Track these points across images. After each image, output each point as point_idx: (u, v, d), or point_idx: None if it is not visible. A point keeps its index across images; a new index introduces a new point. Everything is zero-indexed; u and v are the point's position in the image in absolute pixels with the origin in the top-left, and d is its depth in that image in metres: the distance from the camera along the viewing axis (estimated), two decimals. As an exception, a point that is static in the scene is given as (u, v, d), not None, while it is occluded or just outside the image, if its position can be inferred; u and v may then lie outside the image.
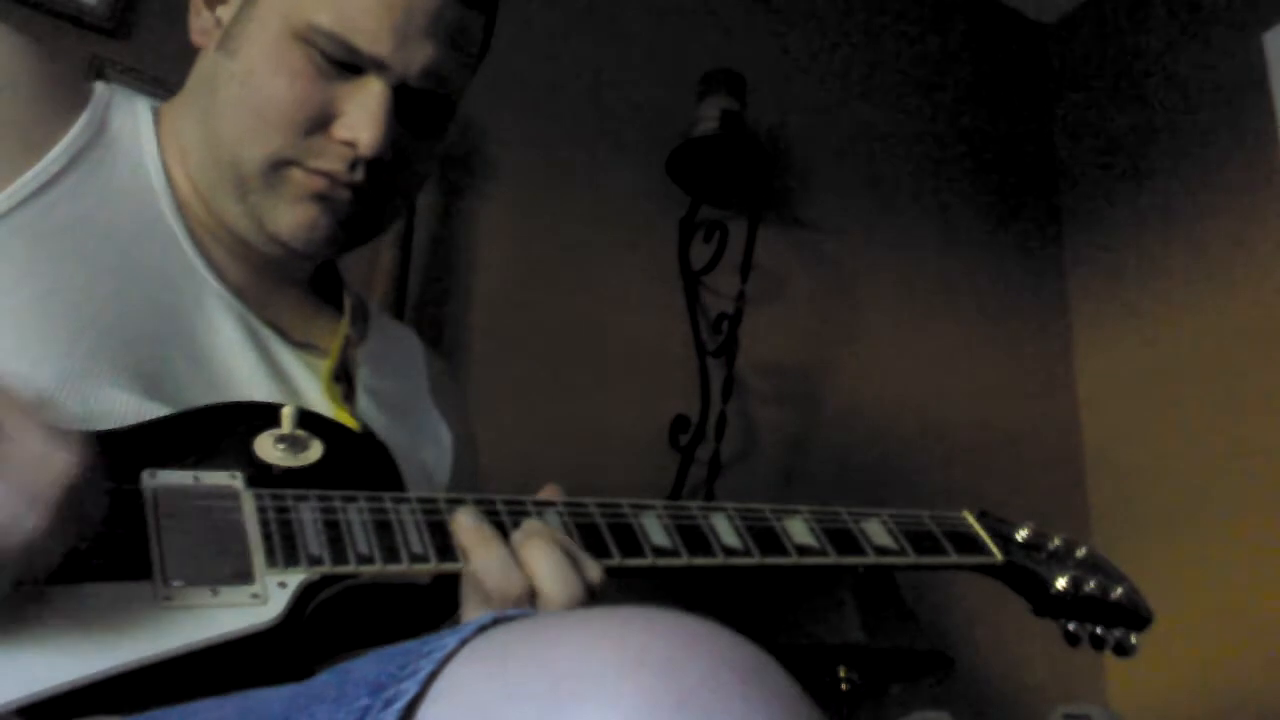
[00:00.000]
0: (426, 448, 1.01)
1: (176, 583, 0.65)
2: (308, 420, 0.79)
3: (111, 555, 0.66)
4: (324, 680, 0.56)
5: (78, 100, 0.92)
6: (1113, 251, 2.71)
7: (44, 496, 0.59)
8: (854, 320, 2.44)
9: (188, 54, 0.98)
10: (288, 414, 0.77)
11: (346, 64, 0.88)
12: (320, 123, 0.88)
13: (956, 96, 2.80)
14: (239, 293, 0.92)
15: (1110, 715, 1.92)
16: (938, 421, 2.44)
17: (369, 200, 0.92)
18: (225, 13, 0.93)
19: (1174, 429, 2.45)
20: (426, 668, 0.50)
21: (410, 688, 0.49)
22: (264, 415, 0.79)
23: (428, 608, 0.78)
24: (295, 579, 0.68)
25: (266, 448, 0.77)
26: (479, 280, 2.00)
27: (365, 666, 0.54)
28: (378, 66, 0.88)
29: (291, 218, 0.90)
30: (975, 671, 2.23)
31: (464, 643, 0.51)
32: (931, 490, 2.33)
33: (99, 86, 0.95)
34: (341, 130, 0.88)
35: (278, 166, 0.89)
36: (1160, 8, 2.74)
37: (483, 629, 0.52)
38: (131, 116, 0.94)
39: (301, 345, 0.94)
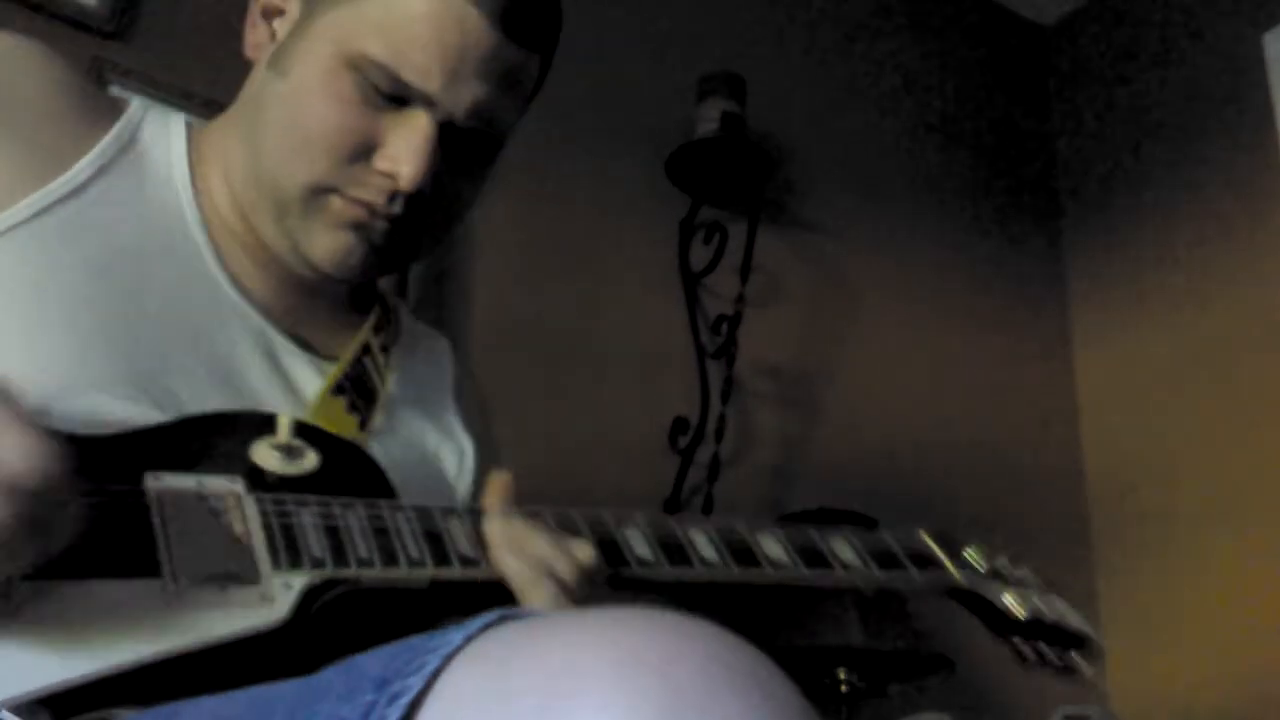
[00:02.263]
0: (448, 458, 1.01)
1: (186, 581, 0.67)
2: (305, 431, 0.81)
3: (120, 554, 0.67)
4: (331, 674, 0.56)
5: (107, 114, 0.92)
6: (1112, 252, 2.71)
7: (10, 497, 0.58)
8: (854, 322, 2.44)
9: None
10: (284, 423, 0.79)
11: (394, 95, 0.87)
12: (363, 151, 0.87)
13: (957, 98, 2.80)
14: (265, 307, 0.92)
15: (1110, 716, 1.92)
16: (936, 423, 2.44)
17: (406, 232, 0.91)
18: (281, 28, 0.92)
19: (1174, 431, 2.45)
20: (431, 663, 0.50)
21: (415, 684, 0.50)
22: (262, 424, 0.80)
23: (425, 612, 0.79)
24: (299, 580, 0.70)
25: (264, 455, 0.78)
26: (479, 282, 2.01)
27: (372, 661, 0.54)
28: (426, 102, 0.87)
29: (327, 244, 0.90)
30: (975, 672, 2.23)
31: (469, 639, 0.51)
32: (930, 491, 2.33)
33: (134, 102, 0.96)
34: (383, 161, 0.87)
35: (318, 193, 0.88)
36: (1159, 10, 2.74)
37: (488, 626, 0.53)
38: (164, 132, 0.94)
39: (327, 358, 0.94)
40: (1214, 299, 2.45)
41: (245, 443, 0.78)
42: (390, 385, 0.98)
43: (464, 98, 0.88)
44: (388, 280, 1.80)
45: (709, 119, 2.16)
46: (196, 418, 0.80)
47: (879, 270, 2.50)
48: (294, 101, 0.88)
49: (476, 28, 0.87)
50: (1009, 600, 1.02)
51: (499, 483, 0.87)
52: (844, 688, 1.85)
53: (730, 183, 2.22)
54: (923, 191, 2.66)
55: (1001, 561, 1.07)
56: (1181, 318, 2.50)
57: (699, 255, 2.21)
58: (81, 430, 0.73)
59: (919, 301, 2.54)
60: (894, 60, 2.71)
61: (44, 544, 0.61)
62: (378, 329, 1.02)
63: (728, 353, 2.16)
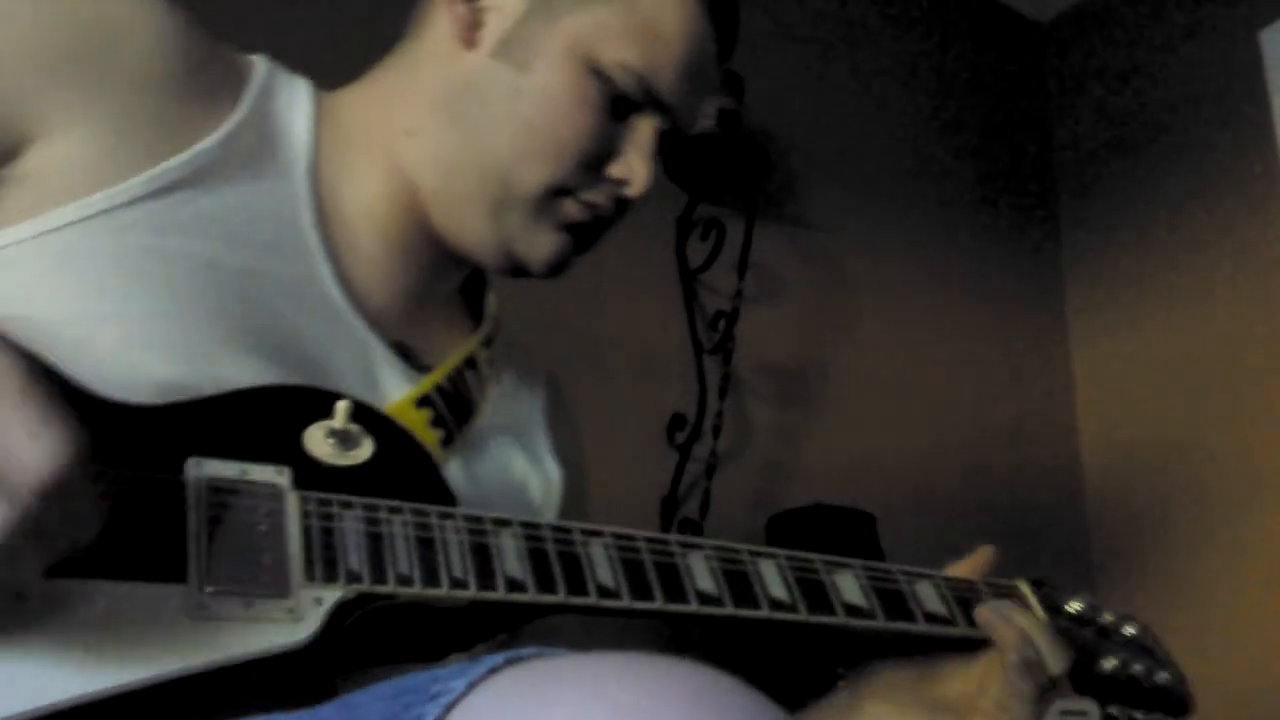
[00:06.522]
0: (534, 485, 0.97)
1: (210, 589, 0.63)
2: (363, 416, 0.76)
3: (147, 552, 0.63)
4: (327, 715, 0.55)
5: (233, 80, 0.86)
6: (1110, 249, 2.71)
7: (12, 495, 0.53)
8: (851, 318, 2.44)
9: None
10: (342, 407, 0.74)
11: (624, 102, 0.88)
12: (601, 158, 0.88)
13: (953, 95, 2.80)
14: (374, 314, 0.88)
15: (1105, 712, 1.93)
16: (933, 419, 2.44)
17: (605, 232, 0.93)
18: (493, 16, 0.89)
19: (1172, 429, 2.45)
20: (431, 714, 0.50)
21: None
22: (319, 404, 0.75)
23: (463, 628, 0.75)
24: (332, 596, 0.66)
25: (317, 441, 0.74)
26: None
27: (370, 704, 0.53)
28: (663, 111, 0.89)
29: (548, 244, 0.90)
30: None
31: (471, 686, 0.51)
32: (927, 487, 2.34)
33: (258, 64, 0.89)
34: (618, 170, 0.89)
35: (554, 194, 0.88)
36: (1156, 6, 2.74)
37: (494, 670, 0.52)
38: (290, 102, 0.89)
39: (426, 369, 0.90)
40: (1211, 295, 2.45)
41: (300, 424, 0.74)
42: (487, 402, 0.95)
43: (693, 109, 0.91)
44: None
45: (706, 115, 2.15)
46: (250, 391, 0.74)
47: (876, 266, 2.50)
48: (540, 102, 0.87)
49: (712, 49, 0.92)
50: (1109, 664, 0.97)
51: (984, 556, 0.91)
52: (841, 683, 1.85)
53: (727, 179, 2.22)
54: (920, 188, 2.66)
55: (1106, 617, 1.01)
56: (1179, 315, 2.51)
57: (696, 252, 2.21)
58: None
59: (916, 298, 2.54)
60: (891, 56, 2.71)
61: (70, 539, 0.57)
62: (487, 342, 0.99)
63: (725, 349, 2.16)
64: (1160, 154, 2.65)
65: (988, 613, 0.87)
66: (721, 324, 2.18)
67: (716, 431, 2.09)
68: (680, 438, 2.09)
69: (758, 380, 2.26)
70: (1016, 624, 0.86)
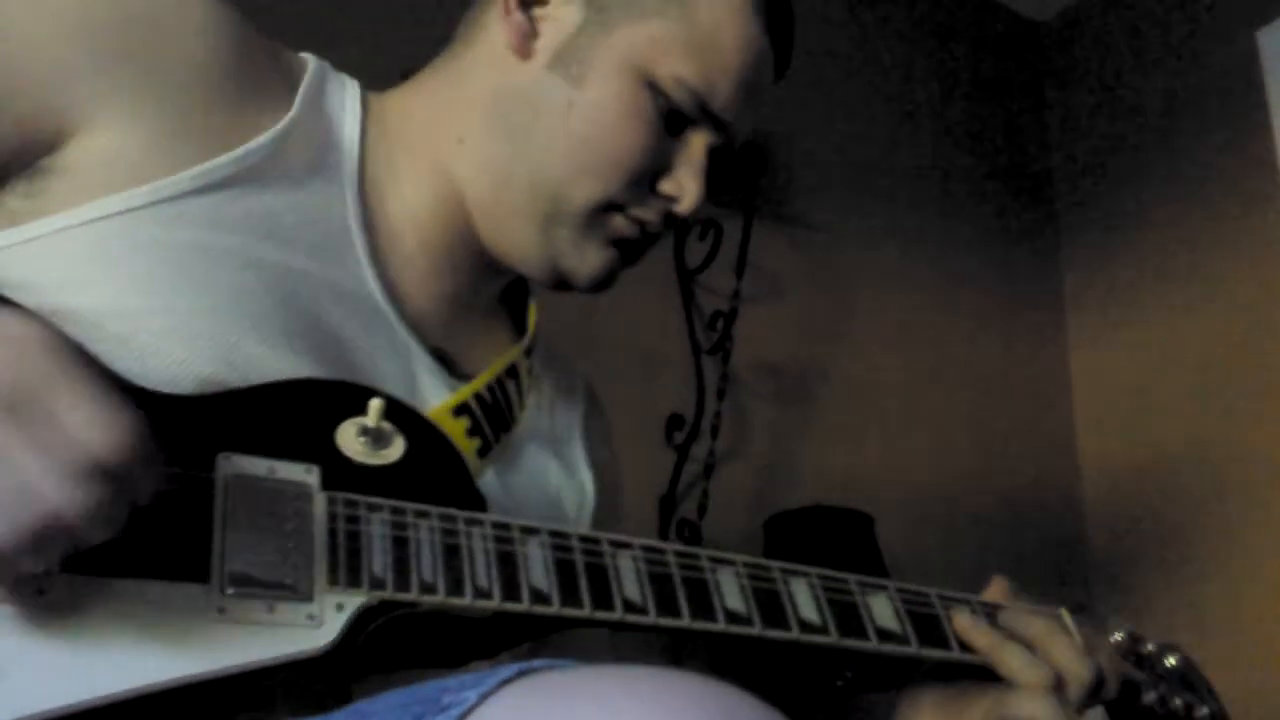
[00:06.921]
0: (569, 497, 0.97)
1: (232, 591, 0.62)
2: (396, 414, 0.75)
3: (171, 549, 0.62)
4: None
5: (284, 79, 0.85)
6: (1108, 249, 2.71)
7: (109, 457, 0.54)
8: (849, 318, 2.43)
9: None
10: (375, 405, 0.73)
11: (678, 116, 0.87)
12: (653, 173, 0.88)
13: (952, 95, 2.80)
14: (415, 320, 0.87)
15: (1107, 715, 1.92)
16: (932, 420, 2.44)
17: (650, 248, 0.92)
18: (551, 27, 0.88)
19: (1171, 430, 2.45)
20: None
21: None
22: (352, 400, 0.74)
23: (484, 637, 0.74)
24: (354, 602, 0.65)
25: (348, 438, 0.73)
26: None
27: (383, 714, 0.53)
28: (718, 128, 0.89)
29: (596, 259, 0.89)
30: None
31: (483, 697, 0.51)
32: (928, 492, 2.33)
33: (309, 63, 0.88)
34: (669, 186, 0.88)
35: (605, 209, 0.87)
36: (1155, 5, 2.74)
37: (505, 682, 0.51)
38: (341, 103, 0.88)
39: (465, 377, 0.89)
40: (1211, 296, 2.45)
41: (333, 419, 0.73)
42: (525, 412, 0.94)
43: (747, 127, 0.92)
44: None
45: (704, 115, 2.15)
46: (283, 384, 0.74)
47: (874, 267, 2.50)
48: (594, 117, 0.86)
49: (769, 66, 0.92)
50: (1149, 697, 0.95)
51: (999, 587, 0.91)
52: (839, 683, 1.85)
53: (725, 179, 2.21)
54: (918, 188, 2.65)
55: (1148, 648, 1.00)
56: (1177, 316, 2.50)
57: (694, 252, 2.20)
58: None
59: (914, 298, 2.54)
60: (889, 56, 2.71)
61: (121, 524, 0.57)
62: (529, 352, 0.98)
63: (723, 349, 2.16)
64: (1159, 154, 2.65)
65: (965, 622, 0.86)
66: (720, 324, 2.18)
67: (715, 432, 2.09)
68: (678, 438, 2.09)
69: (756, 380, 2.25)
70: (999, 633, 0.86)
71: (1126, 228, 2.68)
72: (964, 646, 0.85)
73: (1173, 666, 1.00)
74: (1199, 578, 2.29)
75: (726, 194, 2.24)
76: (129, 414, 0.56)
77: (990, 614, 0.89)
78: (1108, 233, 2.72)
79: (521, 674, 0.52)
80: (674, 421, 2.10)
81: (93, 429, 0.54)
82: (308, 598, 0.64)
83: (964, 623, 0.86)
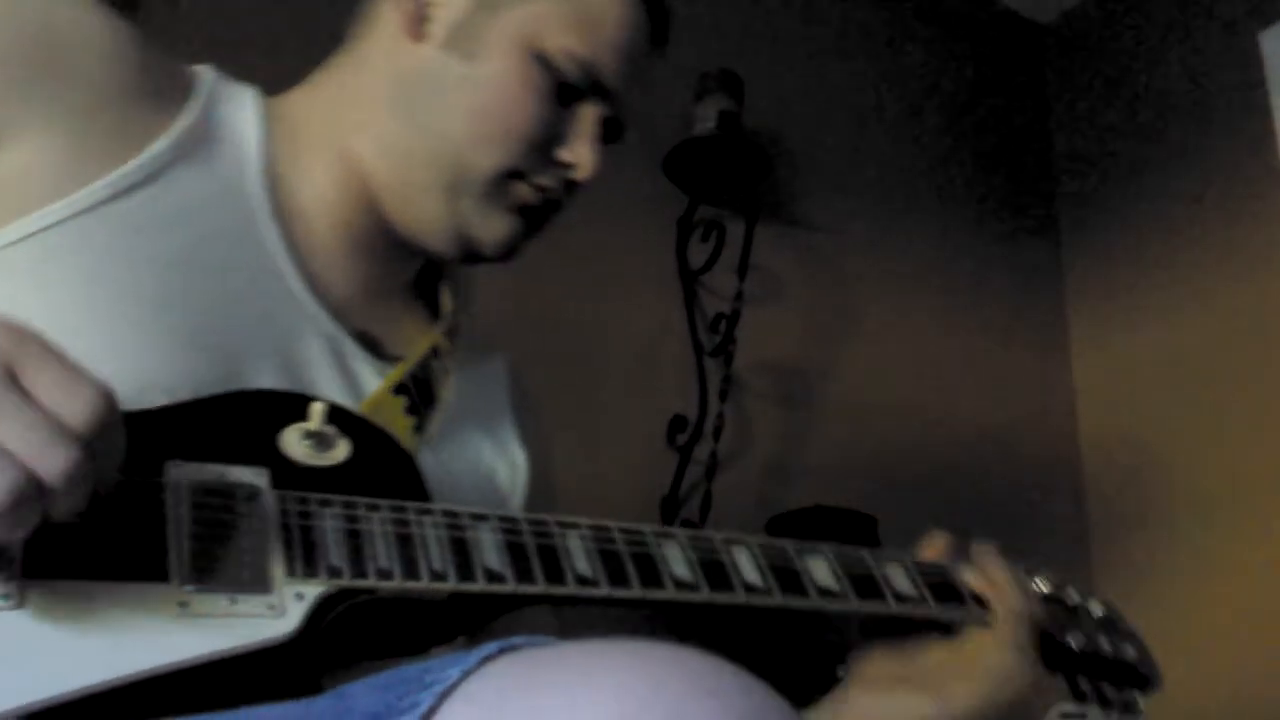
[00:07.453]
0: (501, 471, 1.00)
1: (192, 588, 0.64)
2: (338, 418, 0.77)
3: (129, 552, 0.64)
4: (322, 706, 0.55)
5: (180, 88, 0.88)
6: (1110, 249, 2.71)
7: (80, 424, 0.55)
8: (852, 320, 2.44)
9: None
10: (317, 409, 0.75)
11: (569, 89, 0.92)
12: (549, 142, 0.92)
13: (954, 96, 2.80)
14: (337, 301, 0.90)
15: (1107, 715, 1.92)
16: (934, 420, 2.44)
17: (554, 216, 0.97)
18: (440, 12, 0.92)
19: (1172, 428, 2.45)
20: (426, 701, 0.50)
21: None
22: (293, 407, 0.77)
23: (442, 622, 0.76)
24: (313, 591, 0.67)
25: (293, 443, 0.75)
26: (475, 280, 2.00)
27: (365, 695, 0.53)
28: (605, 97, 0.94)
29: (501, 226, 0.94)
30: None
31: (466, 674, 0.51)
32: (929, 490, 2.33)
33: (204, 73, 0.92)
34: (566, 153, 0.93)
35: (507, 178, 0.92)
36: (1157, 6, 2.74)
37: (486, 659, 0.52)
38: (238, 106, 0.92)
39: (391, 359, 0.92)
40: (1211, 295, 2.45)
41: (276, 427, 0.75)
42: (450, 392, 0.97)
43: (633, 97, 0.96)
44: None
45: (706, 117, 2.16)
46: (226, 396, 0.76)
47: (876, 268, 2.50)
48: (490, 89, 0.90)
49: (646, 38, 0.96)
50: (1076, 639, 0.99)
51: (941, 542, 0.98)
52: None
53: (728, 181, 2.22)
54: (920, 189, 2.66)
55: (1068, 592, 1.04)
56: (1179, 314, 2.51)
57: (697, 253, 2.21)
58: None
59: (917, 298, 2.54)
60: (891, 58, 2.71)
61: (93, 485, 0.58)
62: (451, 333, 1.01)
63: (726, 351, 2.16)
64: (1160, 155, 2.65)
65: (986, 556, 0.95)
66: (722, 325, 2.18)
67: (717, 433, 2.09)
68: (681, 439, 2.09)
69: (758, 382, 2.26)
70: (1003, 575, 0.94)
71: (1128, 228, 2.68)
72: (901, 600, 0.90)
73: (1099, 613, 1.04)
74: (1201, 574, 2.29)
75: (728, 195, 2.25)
76: (95, 381, 0.57)
77: (932, 577, 0.94)
78: (1109, 233, 2.72)
79: (503, 650, 0.53)
80: (676, 423, 2.10)
81: (62, 393, 0.56)
82: (267, 590, 0.66)
83: (984, 556, 0.97)
